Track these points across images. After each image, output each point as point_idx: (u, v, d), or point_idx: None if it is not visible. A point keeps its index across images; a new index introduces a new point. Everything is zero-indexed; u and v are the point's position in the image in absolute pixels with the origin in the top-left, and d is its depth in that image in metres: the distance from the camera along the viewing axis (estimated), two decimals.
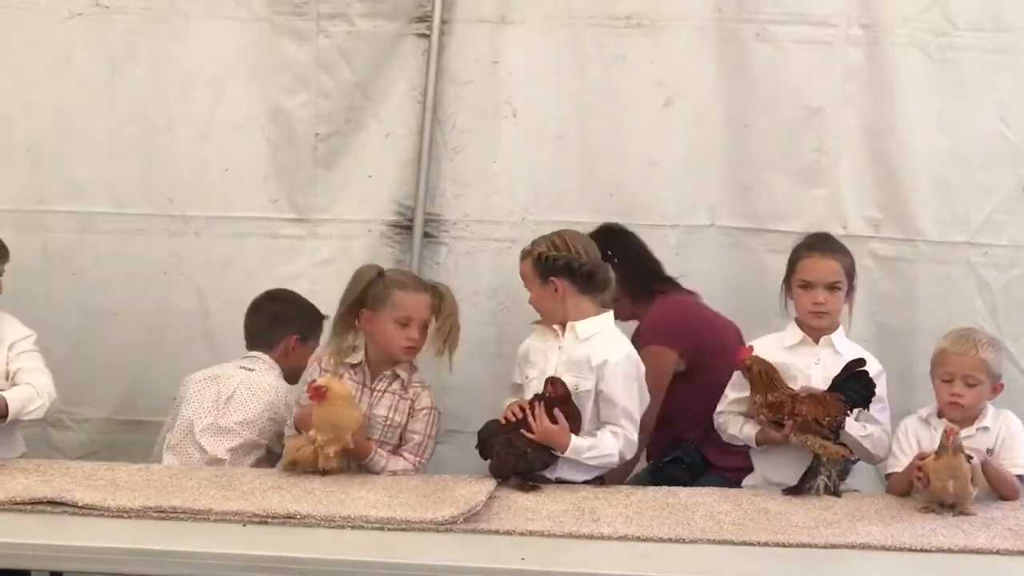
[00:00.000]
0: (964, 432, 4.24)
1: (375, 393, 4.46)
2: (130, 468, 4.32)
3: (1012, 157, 5.05)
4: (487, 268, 5.21)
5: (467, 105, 5.24)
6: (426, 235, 5.25)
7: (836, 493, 4.22)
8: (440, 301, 4.47)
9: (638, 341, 4.72)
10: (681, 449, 4.78)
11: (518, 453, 4.22)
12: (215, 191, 5.28)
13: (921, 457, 4.13)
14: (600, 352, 4.32)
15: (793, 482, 4.27)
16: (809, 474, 4.24)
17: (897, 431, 4.41)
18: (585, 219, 4.96)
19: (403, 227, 5.26)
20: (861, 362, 4.33)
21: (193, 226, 5.29)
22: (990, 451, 4.29)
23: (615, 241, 4.83)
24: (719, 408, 4.53)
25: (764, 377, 4.29)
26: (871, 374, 4.33)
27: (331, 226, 5.28)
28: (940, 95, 5.06)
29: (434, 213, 5.26)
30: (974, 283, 5.12)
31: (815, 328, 4.45)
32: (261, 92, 5.27)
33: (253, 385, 4.68)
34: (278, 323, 4.85)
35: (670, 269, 5.10)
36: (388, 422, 4.43)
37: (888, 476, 4.41)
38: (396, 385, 4.46)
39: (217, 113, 5.30)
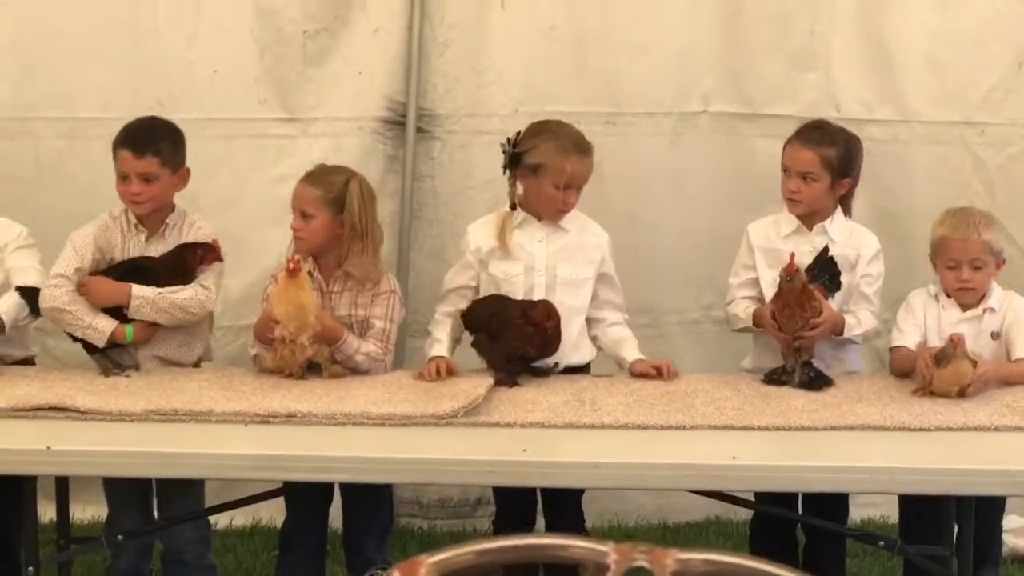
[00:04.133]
0: (970, 314, 4.24)
1: (333, 296, 4.34)
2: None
3: (1007, 33, 5.01)
4: (481, 161, 5.14)
5: None
6: (419, 130, 5.20)
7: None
8: (340, 194, 4.31)
9: None
10: None
11: (522, 362, 4.22)
12: (204, 93, 5.20)
13: (928, 357, 4.06)
14: (593, 235, 4.41)
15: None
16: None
17: (904, 305, 4.38)
18: (579, 109, 4.92)
19: (395, 123, 5.20)
20: (825, 251, 4.30)
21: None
22: (995, 334, 4.27)
23: None
24: (728, 298, 4.51)
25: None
26: (870, 252, 4.36)
27: (322, 124, 5.21)
28: None
29: (426, 108, 5.20)
30: (970, 163, 5.10)
31: (795, 214, 4.42)
32: None
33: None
34: None
35: (665, 157, 5.07)
36: (352, 319, 4.31)
37: (892, 349, 4.38)
38: (351, 282, 4.33)
39: (204, 14, 5.21)
